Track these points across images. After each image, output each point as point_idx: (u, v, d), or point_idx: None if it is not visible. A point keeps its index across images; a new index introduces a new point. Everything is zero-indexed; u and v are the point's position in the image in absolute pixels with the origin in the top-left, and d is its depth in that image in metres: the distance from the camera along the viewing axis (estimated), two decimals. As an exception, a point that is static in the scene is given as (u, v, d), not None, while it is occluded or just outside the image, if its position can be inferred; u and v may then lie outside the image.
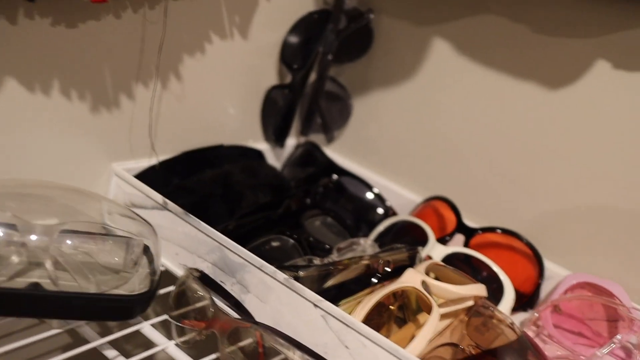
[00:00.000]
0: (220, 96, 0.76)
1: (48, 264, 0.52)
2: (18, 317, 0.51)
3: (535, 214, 0.74)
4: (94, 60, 0.62)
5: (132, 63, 0.65)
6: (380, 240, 0.73)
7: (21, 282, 0.51)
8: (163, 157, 0.71)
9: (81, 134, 0.63)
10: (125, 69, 0.64)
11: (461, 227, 0.71)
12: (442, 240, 0.70)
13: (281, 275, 0.53)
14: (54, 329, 0.53)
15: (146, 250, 0.57)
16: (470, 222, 0.73)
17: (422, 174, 0.82)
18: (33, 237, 0.52)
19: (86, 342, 0.53)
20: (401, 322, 0.61)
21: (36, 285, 0.51)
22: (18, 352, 0.48)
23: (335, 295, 0.57)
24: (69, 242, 0.55)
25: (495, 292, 0.66)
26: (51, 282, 0.52)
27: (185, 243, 0.60)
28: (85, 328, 0.55)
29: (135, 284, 0.55)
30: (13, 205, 0.55)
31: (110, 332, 0.54)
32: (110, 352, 0.52)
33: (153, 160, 0.70)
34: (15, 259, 0.52)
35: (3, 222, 0.52)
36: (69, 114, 0.62)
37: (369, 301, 0.54)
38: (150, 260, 0.57)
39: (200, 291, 0.55)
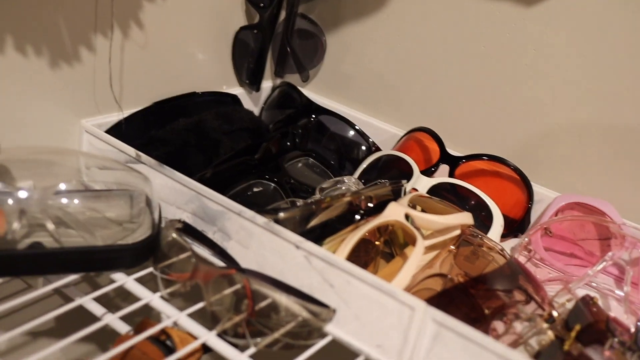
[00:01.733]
0: (187, 42, 0.73)
1: (49, 224, 0.52)
2: (21, 277, 0.52)
3: (519, 137, 0.72)
4: (47, 13, 0.59)
5: (88, 12, 0.62)
6: (365, 177, 0.71)
7: (24, 244, 0.51)
8: (134, 109, 0.69)
9: (44, 93, 0.61)
10: (81, 20, 0.62)
11: (445, 157, 0.70)
12: (427, 171, 0.69)
13: (261, 219, 0.52)
14: (39, 289, 0.52)
15: (147, 200, 0.57)
16: (454, 151, 0.71)
17: (402, 106, 0.80)
18: (30, 201, 0.52)
19: (70, 300, 0.52)
20: (389, 257, 0.60)
21: (38, 244, 0.51)
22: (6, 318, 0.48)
23: (320, 235, 0.56)
24: (69, 201, 0.55)
25: (484, 219, 0.65)
26: (54, 240, 0.52)
27: (163, 195, 0.59)
28: (70, 288, 0.54)
29: (138, 234, 0.54)
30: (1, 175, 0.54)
31: (95, 290, 0.53)
32: (98, 310, 0.52)
33: (121, 115, 0.68)
34: (16, 224, 0.51)
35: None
36: (28, 72, 0.59)
37: (352, 238, 0.52)
38: (150, 209, 0.56)
39: (182, 242, 0.54)
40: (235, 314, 0.49)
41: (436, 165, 0.69)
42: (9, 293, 0.65)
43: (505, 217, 0.66)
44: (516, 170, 0.69)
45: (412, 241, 0.54)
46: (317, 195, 0.63)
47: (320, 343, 0.49)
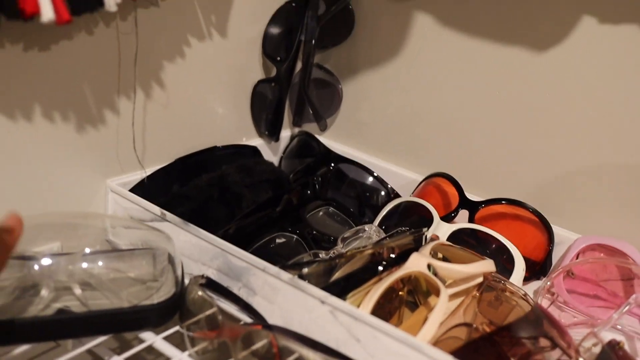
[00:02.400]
0: (207, 98, 0.75)
1: (76, 289, 0.54)
2: (53, 340, 0.53)
3: (538, 180, 0.72)
4: (73, 80, 0.61)
5: (112, 77, 0.64)
6: (385, 224, 0.72)
7: (53, 309, 0.52)
8: (157, 166, 0.70)
9: (70, 156, 0.63)
10: (105, 84, 0.64)
11: (464, 202, 0.70)
12: (447, 217, 0.69)
13: (285, 275, 0.53)
14: (70, 352, 0.53)
15: (169, 258, 0.58)
16: (473, 196, 0.72)
17: (419, 152, 0.81)
18: (57, 267, 0.53)
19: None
20: (413, 306, 0.61)
21: (64, 309, 0.52)
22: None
23: (344, 287, 0.56)
24: (93, 263, 0.56)
25: (506, 263, 0.65)
26: (81, 304, 0.53)
27: (188, 252, 0.60)
28: (101, 347, 0.55)
29: (163, 292, 0.55)
30: (25, 239, 0.55)
31: (126, 349, 0.54)
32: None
33: (144, 172, 0.69)
34: (45, 292, 0.53)
35: (23, 256, 0.53)
36: (55, 137, 0.61)
37: (376, 291, 0.53)
38: (173, 267, 0.57)
39: (207, 298, 0.54)
40: (264, 370, 0.50)
41: (456, 211, 0.70)
42: (37, 352, 0.67)
43: (527, 260, 0.66)
44: (535, 213, 0.69)
45: (435, 291, 0.55)
46: (340, 246, 0.64)
47: (348, 398, 0.50)
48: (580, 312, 0.62)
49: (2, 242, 0.39)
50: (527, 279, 0.67)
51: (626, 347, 0.55)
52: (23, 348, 0.52)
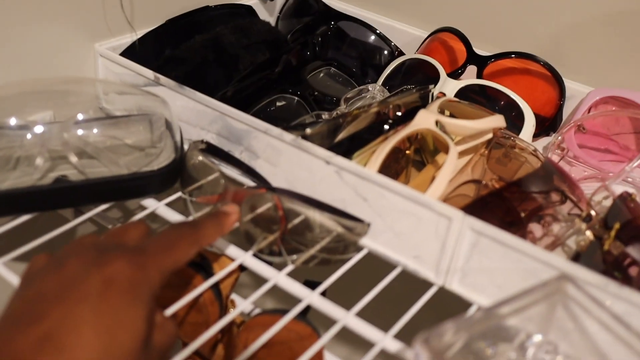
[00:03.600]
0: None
1: (72, 157, 0.52)
2: (52, 210, 0.51)
3: (549, 31, 0.69)
4: None
5: None
6: (389, 83, 0.69)
7: (50, 179, 0.51)
8: (146, 28, 0.66)
9: (55, 18, 0.59)
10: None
11: (472, 58, 0.67)
12: (454, 74, 0.66)
13: (288, 136, 0.51)
14: (71, 222, 0.52)
15: (166, 123, 0.56)
16: (481, 51, 0.68)
17: (424, 6, 0.77)
18: (49, 134, 0.51)
19: (104, 228, 0.52)
20: (420, 166, 0.59)
21: (63, 177, 0.51)
22: (41, 249, 0.48)
23: (348, 148, 0.55)
24: (88, 130, 0.54)
25: (515, 120, 0.63)
26: (78, 172, 0.52)
27: (185, 117, 0.58)
28: (103, 216, 0.54)
29: (162, 159, 0.54)
30: (13, 108, 0.53)
31: (130, 217, 0.53)
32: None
33: (135, 35, 0.65)
34: (39, 159, 0.51)
35: (14, 126, 0.51)
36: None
37: (382, 150, 0.51)
38: (171, 132, 0.55)
39: (209, 163, 0.53)
40: (269, 233, 0.49)
41: (463, 67, 0.67)
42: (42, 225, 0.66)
43: (537, 116, 0.64)
44: (546, 66, 0.66)
45: (444, 149, 0.53)
46: (343, 107, 0.61)
47: (357, 257, 0.49)
48: (591, 166, 0.60)
49: (220, 220, 0.43)
50: (536, 136, 0.65)
51: (638, 199, 0.54)
52: (22, 219, 0.51)
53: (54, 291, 0.30)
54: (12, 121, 0.51)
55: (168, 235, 0.37)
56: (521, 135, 0.62)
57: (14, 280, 0.46)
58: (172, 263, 0.35)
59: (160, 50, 0.66)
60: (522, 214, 0.52)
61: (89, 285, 0.30)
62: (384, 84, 0.69)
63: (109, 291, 0.31)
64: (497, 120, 0.55)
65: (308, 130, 0.51)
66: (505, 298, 0.39)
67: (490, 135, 0.56)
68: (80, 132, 0.52)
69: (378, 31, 0.74)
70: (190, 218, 0.52)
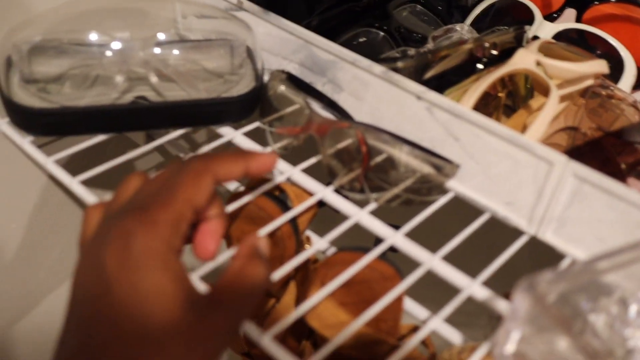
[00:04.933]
0: None
1: (152, 77, 0.50)
2: (128, 132, 0.51)
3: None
4: None
5: None
6: (477, 26, 0.65)
7: (129, 98, 0.49)
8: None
9: None
10: None
11: (571, 0, 0.62)
12: (550, 17, 0.62)
13: (378, 68, 0.48)
14: (141, 147, 0.51)
15: (248, 50, 0.53)
16: (580, -7, 0.63)
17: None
18: (130, 52, 0.49)
19: (178, 157, 0.50)
20: (509, 112, 0.56)
21: (142, 98, 0.49)
22: (111, 176, 0.47)
23: (437, 87, 0.51)
24: (168, 51, 0.52)
25: (613, 70, 0.59)
26: (157, 94, 0.50)
27: (267, 45, 0.55)
28: (176, 144, 0.53)
29: (242, 86, 0.52)
30: (92, 24, 0.51)
31: (199, 146, 0.51)
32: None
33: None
34: (119, 78, 0.50)
35: (94, 42, 0.49)
36: None
37: (477, 88, 0.48)
38: (252, 60, 0.53)
39: (292, 94, 0.50)
40: (352, 169, 0.47)
41: (560, 10, 0.62)
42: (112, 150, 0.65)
43: (636, 68, 0.59)
44: (651, 13, 0.61)
45: (543, 91, 0.50)
46: (430, 44, 0.58)
47: (443, 199, 0.47)
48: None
49: (244, 156, 0.36)
50: (635, 88, 0.60)
51: None
52: (98, 139, 0.50)
53: (118, 259, 0.30)
54: (92, 37, 0.49)
55: (179, 176, 0.33)
56: (620, 85, 0.58)
57: (90, 199, 0.45)
58: (183, 205, 0.32)
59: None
60: (623, 166, 0.48)
61: (145, 247, 0.30)
62: (471, 25, 0.65)
63: (124, 260, 0.29)
64: (600, 65, 0.52)
65: (399, 63, 0.49)
66: (607, 251, 0.36)
67: (589, 82, 0.53)
68: (160, 52, 0.50)
69: (466, -31, 0.70)
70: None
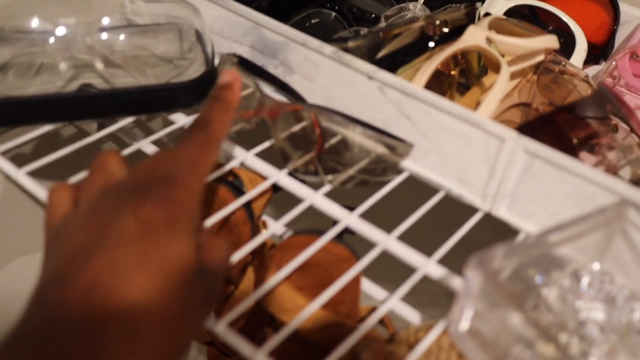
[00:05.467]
0: None
1: (97, 63, 0.49)
2: (75, 121, 0.50)
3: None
4: None
5: None
6: (430, 4, 0.65)
7: (75, 86, 0.48)
8: None
9: None
10: None
11: (522, -24, 0.62)
12: (502, -7, 0.62)
13: (328, 48, 0.47)
14: (93, 135, 0.50)
15: (197, 33, 0.52)
16: (531, -31, 0.64)
17: None
18: (74, 38, 0.48)
19: (127, 146, 0.49)
20: (463, 90, 0.56)
21: (88, 85, 0.48)
22: (62, 165, 0.45)
23: (389, 67, 0.51)
24: (114, 37, 0.51)
25: (565, 45, 0.59)
26: (104, 81, 0.49)
27: (216, 28, 0.54)
28: (127, 132, 0.52)
29: (192, 71, 0.51)
30: (34, 11, 0.50)
31: (153, 133, 0.50)
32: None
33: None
34: (63, 65, 0.48)
35: (36, 28, 0.48)
36: None
37: (428, 66, 0.48)
38: (202, 43, 0.52)
39: (243, 77, 0.50)
40: (306, 151, 0.46)
41: (511, -14, 0.62)
42: (65, 139, 0.64)
43: (587, 43, 0.60)
44: (601, -13, 0.61)
45: (494, 68, 0.50)
46: (382, 24, 0.57)
47: (397, 179, 0.47)
48: (646, 95, 0.57)
49: (224, 100, 0.38)
50: (585, 63, 0.61)
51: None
52: (45, 129, 0.49)
53: (91, 241, 0.29)
54: (34, 23, 0.48)
55: (185, 152, 0.33)
56: (571, 61, 0.58)
57: (37, 190, 0.44)
58: (200, 179, 0.33)
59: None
60: (575, 140, 0.49)
61: (127, 229, 0.29)
62: (425, 4, 0.64)
63: (147, 231, 0.29)
64: (551, 40, 0.52)
65: (350, 43, 0.48)
66: (558, 224, 0.36)
67: (540, 58, 0.53)
68: (106, 37, 0.49)
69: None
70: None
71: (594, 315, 0.36)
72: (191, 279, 0.29)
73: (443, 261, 0.41)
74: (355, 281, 0.43)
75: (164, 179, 0.31)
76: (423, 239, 0.46)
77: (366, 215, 0.45)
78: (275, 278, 0.41)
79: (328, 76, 0.48)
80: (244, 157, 0.48)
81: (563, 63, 0.54)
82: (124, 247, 0.28)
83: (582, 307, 0.36)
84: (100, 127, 0.58)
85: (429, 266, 0.41)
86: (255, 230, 0.47)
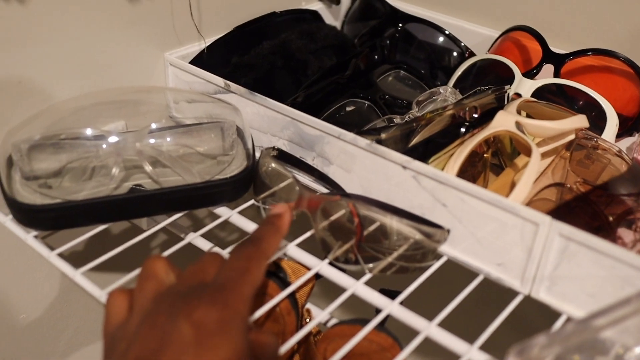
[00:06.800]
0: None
1: (146, 166, 0.52)
2: (127, 219, 0.53)
3: (629, 25, 0.65)
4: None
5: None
6: (460, 86, 0.67)
7: (125, 188, 0.51)
8: (214, 36, 0.66)
9: (125, 29, 0.60)
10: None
11: (548, 56, 0.64)
12: (529, 74, 0.63)
13: (362, 141, 0.49)
14: (145, 232, 0.52)
15: (238, 130, 0.55)
16: (557, 49, 0.65)
17: (495, 5, 0.74)
18: (124, 144, 0.51)
19: (179, 239, 0.52)
20: (498, 169, 0.57)
21: (138, 186, 0.51)
22: (116, 259, 0.48)
23: (423, 153, 0.53)
24: (161, 139, 0.54)
25: (596, 120, 0.60)
26: (152, 181, 0.52)
27: (256, 124, 0.57)
28: (176, 225, 0.54)
29: (235, 166, 0.54)
30: (88, 118, 0.54)
31: (200, 226, 0.53)
32: (206, 245, 0.52)
33: (203, 44, 0.65)
34: (115, 170, 0.52)
35: (89, 136, 0.52)
36: (107, 11, 0.58)
37: (460, 153, 0.49)
38: (243, 139, 0.55)
39: (282, 170, 0.52)
40: (345, 240, 0.48)
41: (539, 66, 0.64)
42: (117, 235, 0.67)
43: (619, 115, 0.60)
44: (627, 62, 0.63)
45: (525, 151, 0.51)
46: (415, 110, 0.60)
47: (436, 265, 0.48)
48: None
49: (275, 224, 0.42)
50: (619, 136, 0.62)
51: None
52: (98, 229, 0.52)
53: (151, 348, 0.30)
54: (88, 131, 0.51)
55: (237, 262, 0.36)
56: (603, 136, 0.59)
57: (92, 289, 0.46)
58: (251, 287, 0.35)
59: (228, 58, 0.66)
60: (611, 218, 0.49)
61: (183, 336, 0.31)
62: (454, 86, 0.67)
63: (202, 337, 0.31)
64: (580, 121, 0.53)
65: (383, 135, 0.50)
66: (600, 309, 0.36)
67: (572, 137, 0.54)
68: (153, 141, 0.52)
69: (447, 32, 0.72)
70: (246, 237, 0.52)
71: (640, 402, 0.36)
72: None
73: (486, 346, 0.42)
74: (400, 369, 0.43)
75: (215, 283, 0.33)
76: (461, 322, 0.47)
77: (407, 301, 0.46)
78: (321, 368, 0.42)
79: (364, 166, 0.50)
80: (286, 248, 0.50)
81: (595, 139, 0.55)
82: (183, 354, 0.30)
83: (627, 393, 0.36)
84: (151, 220, 0.61)
85: (471, 353, 0.41)
86: (299, 319, 0.49)
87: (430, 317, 0.43)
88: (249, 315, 0.33)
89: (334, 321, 0.50)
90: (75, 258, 0.49)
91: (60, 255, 0.50)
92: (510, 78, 0.63)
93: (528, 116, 0.57)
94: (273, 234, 0.41)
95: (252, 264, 0.36)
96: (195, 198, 0.51)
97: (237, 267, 0.35)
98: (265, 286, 0.48)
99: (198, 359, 0.30)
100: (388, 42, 0.71)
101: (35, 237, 0.52)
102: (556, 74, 0.64)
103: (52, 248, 0.50)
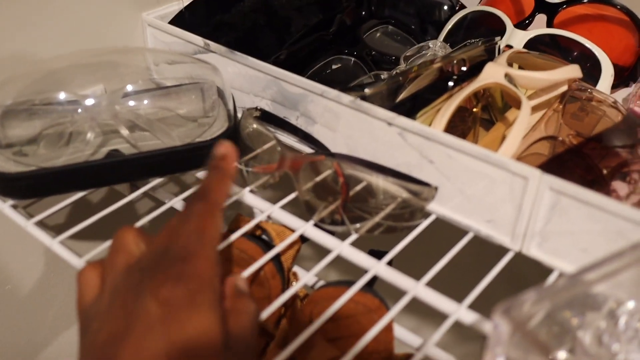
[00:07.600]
0: None
1: (123, 130, 0.51)
2: (106, 186, 0.51)
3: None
4: None
5: None
6: (451, 40, 0.65)
7: (102, 153, 0.49)
8: (193, -5, 0.64)
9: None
10: None
11: (540, 5, 0.62)
12: (521, 24, 0.61)
13: (346, 97, 0.48)
14: (127, 197, 0.51)
15: (218, 91, 0.53)
16: (550, -2, 0.63)
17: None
18: (99, 108, 0.50)
19: (161, 203, 0.50)
20: (488, 125, 0.55)
21: (115, 151, 0.49)
22: (99, 227, 0.47)
23: (411, 109, 0.51)
24: (138, 102, 0.52)
25: (591, 71, 0.58)
26: (131, 146, 0.51)
27: (237, 84, 0.55)
28: (159, 190, 0.53)
29: (216, 128, 0.52)
30: (63, 82, 0.52)
31: (182, 191, 0.51)
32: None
33: (182, 3, 0.63)
34: (90, 135, 0.50)
35: (63, 100, 0.50)
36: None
37: (448, 108, 0.48)
38: (223, 99, 0.53)
39: (264, 131, 0.50)
40: (331, 201, 0.46)
41: (531, 16, 0.62)
42: (98, 200, 0.65)
43: (615, 66, 0.58)
44: (624, 10, 0.60)
45: (515, 104, 0.49)
46: (403, 65, 0.58)
47: (424, 223, 0.46)
48: (678, 116, 0.55)
49: (221, 169, 0.38)
50: (614, 87, 0.60)
51: None
52: (77, 196, 0.50)
53: (119, 330, 0.29)
54: (62, 96, 0.50)
55: (191, 224, 0.34)
56: (598, 87, 0.57)
57: (70, 258, 0.45)
58: (211, 247, 0.33)
59: (209, 17, 0.63)
60: (605, 171, 0.48)
61: (149, 315, 0.29)
62: (445, 40, 0.64)
63: (169, 313, 0.29)
64: (573, 71, 0.51)
65: (367, 91, 0.48)
66: (592, 263, 0.35)
67: (564, 88, 0.52)
68: (130, 104, 0.51)
69: (436, -16, 0.69)
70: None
71: (632, 358, 0.35)
72: (219, 350, 0.30)
73: (482, 306, 0.41)
74: (388, 330, 0.42)
75: (177, 256, 0.32)
76: (454, 281, 0.45)
77: (399, 264, 0.44)
78: (307, 331, 0.40)
79: (349, 124, 0.49)
80: (270, 211, 0.48)
81: (589, 90, 0.53)
82: (150, 333, 0.29)
83: (619, 349, 0.35)
84: (133, 186, 0.59)
85: (460, 312, 0.40)
86: (285, 283, 0.48)
87: (420, 277, 0.42)
88: (217, 279, 0.32)
89: (321, 284, 0.49)
90: (60, 228, 0.47)
91: (42, 224, 0.49)
92: (502, 30, 0.61)
93: (520, 68, 0.55)
94: (220, 180, 0.38)
95: (206, 222, 0.34)
96: (175, 162, 0.50)
97: (192, 230, 0.33)
98: (249, 250, 0.47)
99: (165, 336, 0.29)
100: (375, -4, 0.68)
101: (15, 206, 0.50)
102: (549, 24, 0.61)
103: (31, 216, 0.49)
